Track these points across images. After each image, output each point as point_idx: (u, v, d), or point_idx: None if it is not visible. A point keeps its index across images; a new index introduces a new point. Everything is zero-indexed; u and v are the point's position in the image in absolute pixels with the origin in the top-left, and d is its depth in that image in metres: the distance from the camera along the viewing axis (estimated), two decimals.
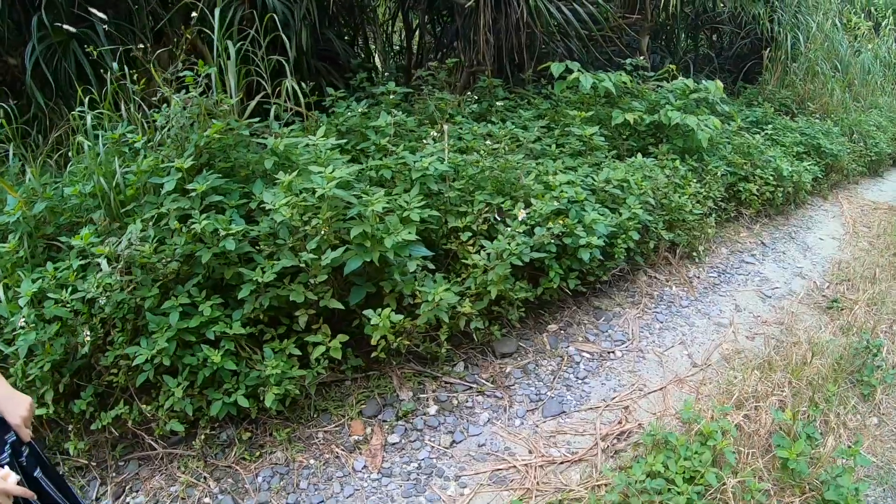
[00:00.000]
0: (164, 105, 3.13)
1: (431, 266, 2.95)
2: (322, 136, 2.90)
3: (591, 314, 3.74)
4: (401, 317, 2.68)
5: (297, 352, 2.67)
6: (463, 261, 3.06)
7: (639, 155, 4.28)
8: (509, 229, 3.02)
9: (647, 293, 4.07)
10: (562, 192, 3.36)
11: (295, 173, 2.67)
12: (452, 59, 5.58)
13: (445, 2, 6.34)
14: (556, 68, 4.98)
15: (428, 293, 2.72)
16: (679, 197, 4.35)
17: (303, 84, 4.02)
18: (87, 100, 3.22)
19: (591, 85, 4.79)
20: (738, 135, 6.06)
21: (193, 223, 2.62)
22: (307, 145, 2.86)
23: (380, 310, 2.65)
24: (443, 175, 3.26)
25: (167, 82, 3.21)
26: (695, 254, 4.61)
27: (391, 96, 4.09)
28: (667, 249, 4.42)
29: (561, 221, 3.18)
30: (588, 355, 3.42)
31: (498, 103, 4.60)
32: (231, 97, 3.33)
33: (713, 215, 4.86)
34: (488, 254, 2.98)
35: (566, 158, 4.03)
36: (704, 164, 5.11)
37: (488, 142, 3.73)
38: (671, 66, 6.04)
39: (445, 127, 3.87)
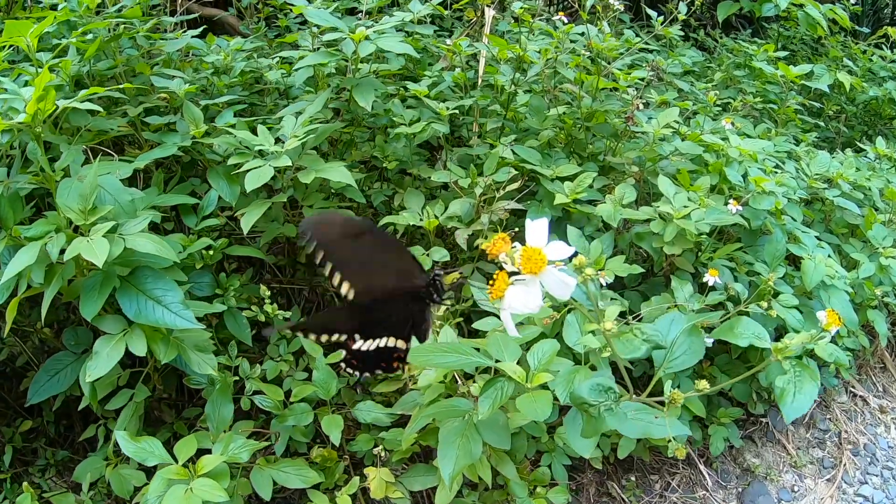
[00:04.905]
0: None
1: None
2: None
3: (734, 486, 1.59)
4: None
5: None
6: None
7: (879, 140, 2.03)
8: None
9: (849, 440, 1.88)
10: (753, 175, 1.22)
11: None
12: None
13: None
14: None
15: None
16: None
17: None
18: None
19: (786, 9, 2.57)
20: None
21: None
22: None
23: None
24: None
25: None
26: None
27: None
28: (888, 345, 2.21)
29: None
30: None
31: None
32: None
33: None
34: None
35: (736, 120, 1.86)
36: None
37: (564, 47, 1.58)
38: (888, 27, 3.68)
39: (489, 12, 1.89)
